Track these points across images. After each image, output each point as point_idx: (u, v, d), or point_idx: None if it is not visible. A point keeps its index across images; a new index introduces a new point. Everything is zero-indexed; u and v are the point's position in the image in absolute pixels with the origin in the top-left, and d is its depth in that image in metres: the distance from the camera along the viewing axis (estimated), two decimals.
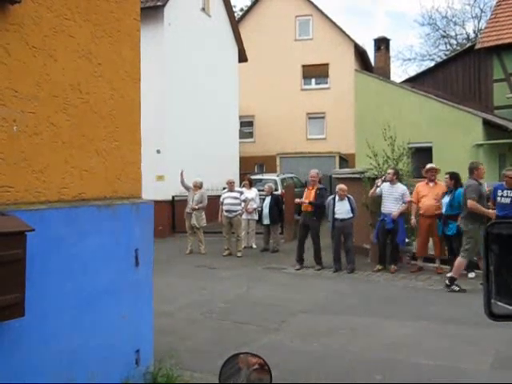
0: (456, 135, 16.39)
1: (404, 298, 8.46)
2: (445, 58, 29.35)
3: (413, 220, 10.31)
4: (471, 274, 9.38)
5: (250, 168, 24.77)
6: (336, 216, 10.56)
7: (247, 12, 28.96)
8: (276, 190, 16.70)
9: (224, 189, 14.19)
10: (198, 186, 13.14)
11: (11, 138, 3.35)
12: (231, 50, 22.44)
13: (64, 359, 3.70)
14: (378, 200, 10.60)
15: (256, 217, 13.83)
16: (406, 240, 10.60)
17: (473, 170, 9.00)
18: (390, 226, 10.18)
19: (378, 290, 9.01)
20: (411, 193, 10.63)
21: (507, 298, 1.57)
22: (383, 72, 21.53)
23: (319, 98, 26.81)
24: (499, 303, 1.57)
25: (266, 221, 13.35)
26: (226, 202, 12.89)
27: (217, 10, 20.87)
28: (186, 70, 17.75)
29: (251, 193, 13.77)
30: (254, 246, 13.79)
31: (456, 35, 38.69)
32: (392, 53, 28.07)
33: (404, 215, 10.43)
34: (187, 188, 13.34)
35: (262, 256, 12.75)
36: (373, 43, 23.09)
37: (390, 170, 10.44)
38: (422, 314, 7.32)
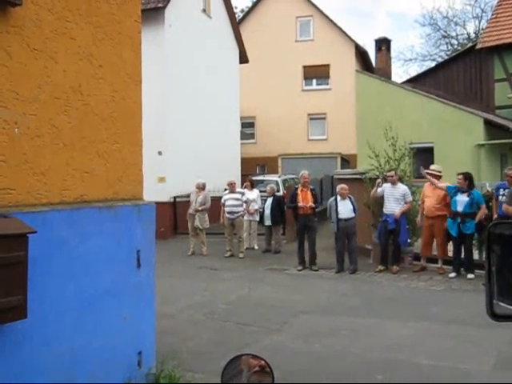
0: (457, 135, 16.38)
1: (406, 298, 8.45)
2: (446, 58, 29.38)
3: (418, 219, 10.35)
4: (470, 275, 9.38)
5: (252, 169, 24.77)
6: (340, 216, 10.52)
7: (248, 13, 28.99)
8: (278, 190, 16.69)
9: (225, 190, 14.19)
10: (201, 188, 13.14)
11: (13, 140, 3.35)
12: (232, 51, 22.45)
13: (66, 361, 3.70)
14: (379, 200, 10.60)
15: (258, 218, 13.82)
16: (408, 240, 10.60)
17: None
18: (392, 227, 10.18)
19: (379, 291, 9.00)
20: (413, 193, 10.65)
21: (509, 298, 1.57)
22: (384, 72, 21.52)
23: (320, 99, 26.82)
24: (501, 304, 1.57)
25: (268, 222, 13.34)
26: (227, 203, 12.89)
27: (217, 11, 20.88)
28: (187, 72, 17.76)
29: (253, 194, 13.76)
30: (256, 247, 13.79)
31: (457, 35, 38.74)
32: (393, 53, 28.06)
33: (406, 215, 10.43)
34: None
35: (263, 257, 12.75)
36: (374, 44, 23.10)
37: (391, 173, 10.42)
38: (423, 314, 7.31)
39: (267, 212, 13.32)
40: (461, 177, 9.61)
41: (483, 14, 36.00)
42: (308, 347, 6.10)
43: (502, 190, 9.17)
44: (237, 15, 27.38)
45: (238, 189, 13.99)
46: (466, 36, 38.25)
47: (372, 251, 11.45)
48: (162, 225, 13.66)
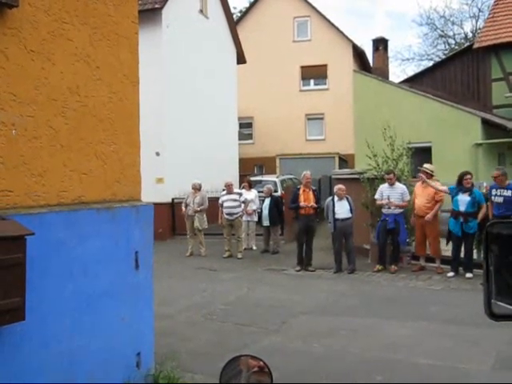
0: (455, 135, 16.39)
1: (404, 298, 8.46)
2: (443, 57, 29.42)
3: (412, 219, 10.40)
4: (469, 274, 9.39)
5: (250, 169, 24.78)
6: (337, 216, 10.54)
7: (245, 13, 29.00)
8: (276, 191, 16.69)
9: (224, 190, 14.18)
10: (198, 188, 13.14)
11: (10, 141, 3.35)
12: (229, 51, 22.46)
13: (64, 362, 3.70)
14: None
15: (256, 218, 13.82)
16: (407, 240, 10.61)
17: None
18: (392, 226, 10.22)
19: (378, 291, 9.01)
20: (411, 193, 10.68)
21: (507, 298, 1.57)
22: (382, 72, 21.55)
23: (318, 99, 26.83)
24: (500, 303, 1.57)
25: (266, 222, 13.34)
26: (226, 204, 12.88)
27: (215, 11, 20.89)
28: (185, 72, 17.76)
29: (251, 194, 13.76)
30: (255, 248, 13.78)
31: (454, 35, 38.81)
32: (390, 53, 28.15)
33: (404, 215, 10.46)
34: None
35: (262, 257, 12.75)
36: (371, 44, 23.16)
37: (389, 176, 10.45)
38: (422, 314, 7.31)
39: (265, 212, 13.32)
40: (469, 176, 9.61)
41: (480, 14, 36.12)
42: (307, 347, 6.10)
43: (493, 190, 9.21)
44: (235, 16, 27.40)
45: (236, 189, 13.98)
46: (463, 35, 38.36)
47: (370, 251, 11.47)
48: (161, 226, 13.65)
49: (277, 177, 20.45)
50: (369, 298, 8.44)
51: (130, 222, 4.44)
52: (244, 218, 13.39)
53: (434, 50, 39.46)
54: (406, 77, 27.24)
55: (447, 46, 38.62)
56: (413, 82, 22.28)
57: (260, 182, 18.31)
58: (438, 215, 10.15)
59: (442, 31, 38.58)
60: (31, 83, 3.52)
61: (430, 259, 10.47)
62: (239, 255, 12.63)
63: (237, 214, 12.83)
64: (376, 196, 10.65)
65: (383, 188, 10.46)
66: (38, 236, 3.18)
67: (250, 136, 27.89)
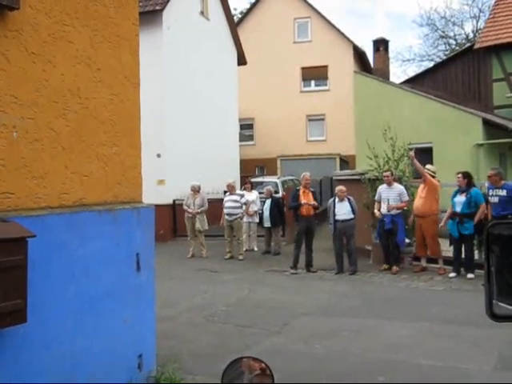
0: (456, 135, 16.36)
1: (406, 299, 8.45)
2: (444, 58, 29.39)
3: (410, 219, 10.40)
4: (470, 275, 9.39)
5: (251, 171, 24.77)
6: (337, 217, 10.57)
7: (246, 15, 29.03)
8: (277, 192, 16.69)
9: (225, 192, 14.20)
10: (197, 190, 13.15)
11: (11, 144, 3.35)
12: (230, 53, 22.47)
13: (66, 364, 3.70)
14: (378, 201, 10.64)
15: (257, 219, 13.82)
16: (407, 240, 10.58)
17: None
18: (389, 227, 10.23)
19: (380, 292, 9.00)
20: (412, 194, 10.68)
21: (509, 298, 1.57)
22: (382, 73, 21.51)
23: (319, 100, 26.84)
24: (501, 304, 1.57)
25: (267, 223, 13.35)
26: (226, 205, 12.91)
27: (215, 13, 20.90)
28: (185, 74, 17.76)
29: (252, 195, 13.77)
30: (256, 249, 13.78)
31: (455, 35, 38.80)
32: (391, 54, 28.17)
33: (403, 215, 10.47)
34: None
35: (263, 259, 12.75)
36: (372, 44, 23.11)
37: (386, 173, 10.47)
38: (424, 314, 7.31)
39: (266, 214, 13.32)
40: (460, 175, 9.65)
41: (481, 14, 36.11)
42: (308, 348, 6.09)
43: (490, 190, 9.21)
44: (236, 17, 27.41)
45: (238, 191, 13.99)
46: (463, 36, 38.35)
47: (372, 252, 11.47)
48: (162, 227, 13.64)
49: (278, 178, 20.45)
50: (370, 299, 8.44)
51: (132, 223, 4.45)
52: (245, 219, 13.39)
53: (434, 50, 39.50)
54: (406, 77, 27.27)
55: (448, 47, 38.64)
56: (414, 82, 22.26)
57: (261, 183, 18.32)
58: (436, 216, 10.14)
59: (443, 32, 38.61)
60: (32, 85, 3.53)
61: (431, 260, 10.46)
62: (240, 257, 12.63)
63: (236, 214, 12.82)
64: (375, 197, 10.68)
65: (381, 189, 10.51)
66: (39, 238, 3.19)
67: (250, 137, 27.90)
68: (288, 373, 4.95)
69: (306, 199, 10.90)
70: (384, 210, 10.35)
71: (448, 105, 17.37)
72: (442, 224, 10.25)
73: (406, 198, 10.39)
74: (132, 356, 4.42)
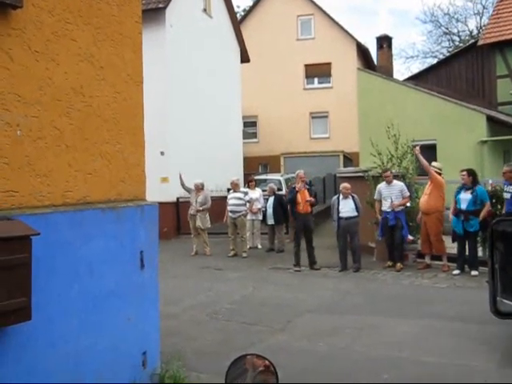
0: (460, 132, 16.33)
1: (410, 296, 8.44)
2: (447, 55, 29.32)
3: (418, 217, 10.39)
4: (474, 272, 9.38)
5: (254, 168, 24.79)
6: (341, 215, 10.59)
7: (249, 12, 28.99)
8: (280, 189, 16.69)
9: (229, 190, 14.20)
10: (200, 188, 13.15)
11: (15, 142, 3.35)
12: (233, 50, 22.45)
13: (71, 362, 3.71)
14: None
15: (261, 217, 13.83)
16: (410, 237, 10.56)
17: None
18: (393, 223, 10.24)
19: (383, 289, 9.00)
20: (416, 191, 10.67)
21: None
22: (386, 70, 21.46)
23: (322, 97, 26.81)
24: (505, 301, 1.57)
25: (271, 221, 13.35)
26: (230, 202, 12.93)
27: (218, 10, 20.88)
28: (188, 72, 17.76)
29: (255, 193, 13.78)
30: (260, 247, 13.79)
31: (458, 32, 38.67)
32: (394, 51, 28.12)
33: (405, 211, 10.48)
34: (188, 190, 13.41)
35: (267, 256, 12.75)
36: (375, 41, 23.05)
37: (386, 173, 10.48)
38: (428, 312, 7.30)
39: (269, 211, 13.33)
40: (464, 173, 9.62)
41: (484, 11, 35.99)
42: (312, 346, 6.09)
43: (506, 186, 9.17)
44: (239, 14, 27.37)
45: (242, 188, 14.00)
46: (467, 33, 38.21)
47: (375, 249, 11.47)
48: (166, 225, 13.65)
49: (281, 175, 20.45)
50: (374, 297, 8.44)
51: (135, 221, 4.45)
52: (249, 217, 13.40)
53: (438, 47, 39.39)
54: (410, 74, 27.20)
55: (451, 44, 38.54)
56: (417, 79, 22.20)
57: (265, 180, 18.33)
58: (441, 213, 10.12)
59: (447, 28, 38.50)
60: (35, 84, 3.53)
61: (435, 257, 10.45)
62: (244, 254, 12.64)
63: (240, 212, 12.83)
64: (375, 197, 10.68)
65: (381, 187, 10.52)
66: (43, 236, 3.19)
67: (254, 135, 27.89)
68: (292, 370, 4.96)
69: (302, 197, 10.89)
70: (386, 207, 10.35)
71: (452, 101, 17.34)
72: (418, 217, 10.38)
73: (407, 193, 10.40)
74: (136, 353, 4.43)
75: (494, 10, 22.33)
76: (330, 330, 6.69)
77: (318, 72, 27.51)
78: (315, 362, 5.59)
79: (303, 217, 10.91)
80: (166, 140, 16.18)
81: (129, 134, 4.48)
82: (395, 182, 10.45)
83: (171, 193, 15.91)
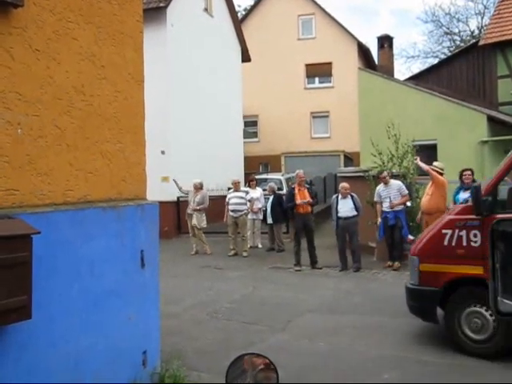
0: (461, 132, 16.31)
1: None
2: (448, 54, 29.30)
3: (418, 217, 10.39)
4: None
5: (255, 168, 24.78)
6: (339, 214, 10.60)
7: (250, 11, 28.99)
8: (280, 189, 16.69)
9: (229, 189, 14.21)
10: (199, 187, 13.16)
11: (16, 141, 3.35)
12: (234, 49, 22.45)
13: (71, 361, 3.71)
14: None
15: (261, 216, 13.84)
16: (410, 237, 10.55)
17: None
18: (392, 223, 10.25)
19: (384, 289, 8.99)
20: (416, 190, 10.67)
21: None
22: (387, 70, 21.43)
23: (323, 97, 26.80)
24: (506, 301, 1.57)
25: (270, 220, 13.35)
26: (231, 201, 12.93)
27: (219, 10, 20.89)
28: (189, 71, 17.76)
29: (256, 192, 13.78)
30: (260, 246, 13.80)
31: (459, 32, 38.66)
32: (395, 50, 28.10)
33: (405, 211, 10.48)
34: (187, 193, 13.47)
35: (267, 256, 12.75)
36: (376, 41, 23.03)
37: (383, 174, 10.51)
38: None
39: (269, 210, 13.33)
40: (469, 172, 9.59)
41: (486, 11, 35.97)
42: (312, 345, 6.10)
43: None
44: (240, 14, 27.37)
45: (242, 187, 14.01)
46: (468, 33, 38.22)
47: (376, 249, 11.46)
48: (166, 224, 13.67)
49: (282, 175, 20.44)
50: (374, 296, 8.43)
51: (136, 220, 4.45)
52: (249, 216, 13.41)
53: (439, 47, 39.39)
54: (411, 74, 27.17)
55: (452, 44, 38.51)
56: (418, 79, 22.16)
57: (265, 180, 18.32)
58: (443, 213, 10.10)
59: (448, 28, 38.49)
60: (36, 82, 3.53)
61: None
62: (244, 253, 12.64)
63: (241, 211, 12.85)
64: (375, 199, 10.69)
65: (379, 189, 10.55)
66: (44, 235, 3.19)
67: (255, 134, 27.89)
68: (292, 370, 4.96)
69: (302, 197, 10.90)
70: (385, 207, 10.37)
71: (453, 101, 17.31)
72: (418, 217, 10.32)
73: (406, 191, 10.43)
74: (136, 353, 4.43)
75: (495, 10, 22.29)
76: (330, 329, 6.69)
77: (319, 72, 27.51)
78: (316, 361, 5.59)
79: (303, 216, 10.92)
80: (167, 139, 16.19)
81: (130, 132, 4.48)
82: (392, 181, 10.47)
83: (172, 192, 15.88)
